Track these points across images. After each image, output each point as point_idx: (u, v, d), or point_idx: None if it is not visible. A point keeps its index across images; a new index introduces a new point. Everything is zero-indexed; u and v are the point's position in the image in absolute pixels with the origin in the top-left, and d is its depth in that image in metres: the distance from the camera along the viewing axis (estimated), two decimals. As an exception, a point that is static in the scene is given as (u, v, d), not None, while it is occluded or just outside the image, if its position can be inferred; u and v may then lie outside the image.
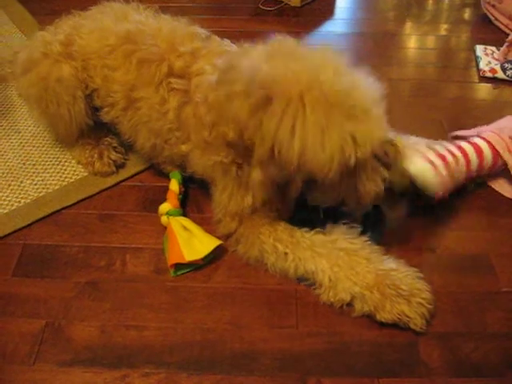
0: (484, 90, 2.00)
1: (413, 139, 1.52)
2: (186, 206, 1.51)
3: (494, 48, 2.18)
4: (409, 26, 2.42)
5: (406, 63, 2.16)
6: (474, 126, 1.73)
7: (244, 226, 1.35)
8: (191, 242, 1.34)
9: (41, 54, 1.54)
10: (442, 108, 1.89)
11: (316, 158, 1.09)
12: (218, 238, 1.37)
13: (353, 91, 1.12)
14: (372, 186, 1.20)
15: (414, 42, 2.31)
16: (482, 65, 2.10)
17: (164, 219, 1.43)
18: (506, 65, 2.07)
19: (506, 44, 2.09)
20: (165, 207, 1.43)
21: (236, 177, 1.31)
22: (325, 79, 1.10)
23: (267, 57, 1.19)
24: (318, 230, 1.32)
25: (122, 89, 1.45)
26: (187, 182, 1.54)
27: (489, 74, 2.07)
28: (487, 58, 2.14)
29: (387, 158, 1.22)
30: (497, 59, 2.12)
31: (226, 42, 1.48)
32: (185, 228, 1.38)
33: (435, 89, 2.00)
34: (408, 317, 1.17)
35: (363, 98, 1.12)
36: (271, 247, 1.31)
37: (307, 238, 1.30)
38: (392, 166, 1.24)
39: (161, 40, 1.42)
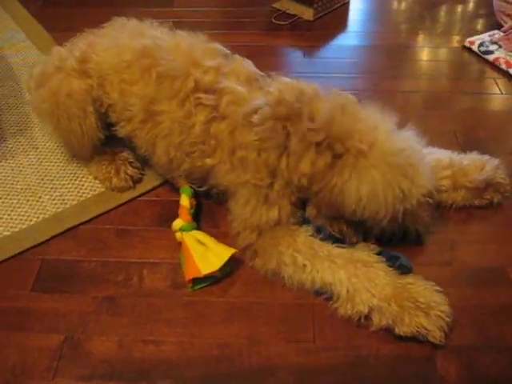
0: (498, 101, 2.00)
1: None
2: (200, 221, 1.52)
3: (501, 33, 2.31)
4: (421, 38, 2.43)
5: (419, 75, 2.17)
6: (489, 137, 1.74)
7: (263, 238, 1.36)
8: (206, 255, 1.35)
9: (54, 69, 1.57)
10: (456, 120, 1.89)
11: (371, 209, 1.23)
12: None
13: (404, 150, 1.26)
14: (424, 213, 1.34)
15: (426, 54, 2.31)
16: (472, 38, 2.29)
17: (178, 235, 1.44)
18: (487, 43, 2.23)
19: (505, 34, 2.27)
20: (177, 223, 1.44)
21: (263, 194, 1.35)
22: (383, 139, 1.25)
23: (341, 111, 1.30)
24: (339, 244, 1.34)
25: (140, 102, 1.47)
26: (201, 196, 1.55)
27: (466, 44, 2.29)
28: (485, 36, 2.30)
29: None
30: (491, 39, 2.27)
31: (248, 61, 1.51)
32: (199, 241, 1.39)
33: (448, 101, 2.01)
34: (427, 330, 1.17)
35: (413, 156, 1.26)
36: (290, 258, 1.32)
37: (326, 249, 1.31)
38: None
39: (180, 55, 1.45)
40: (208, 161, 1.43)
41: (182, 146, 1.45)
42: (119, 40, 1.55)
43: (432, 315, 1.18)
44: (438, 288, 1.24)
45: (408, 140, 1.29)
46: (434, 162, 1.48)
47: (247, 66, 1.49)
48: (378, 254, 1.31)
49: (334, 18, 2.58)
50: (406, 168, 1.23)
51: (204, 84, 1.41)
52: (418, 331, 1.17)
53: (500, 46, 2.20)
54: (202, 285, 1.36)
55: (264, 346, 1.23)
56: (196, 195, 1.54)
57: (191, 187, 1.53)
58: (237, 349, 1.23)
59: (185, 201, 1.49)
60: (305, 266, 1.31)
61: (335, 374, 1.17)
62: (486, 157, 1.53)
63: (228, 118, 1.38)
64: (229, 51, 1.53)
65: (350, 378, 1.16)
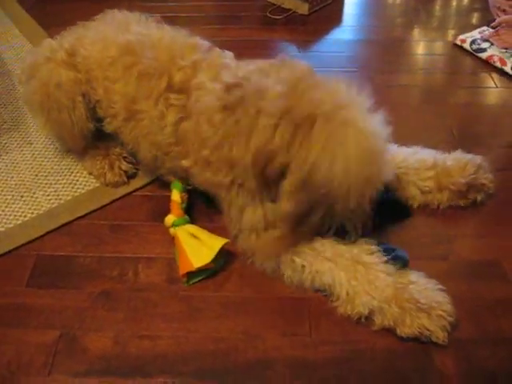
0: (493, 95, 2.00)
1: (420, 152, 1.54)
2: (195, 216, 1.51)
3: (491, 29, 2.27)
4: (417, 32, 2.42)
5: (414, 69, 2.16)
6: (485, 131, 1.74)
7: (262, 239, 1.34)
8: (198, 248, 1.34)
9: (45, 59, 1.57)
10: (452, 114, 1.89)
11: (347, 185, 1.16)
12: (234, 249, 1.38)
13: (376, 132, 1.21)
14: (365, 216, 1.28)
15: (422, 48, 2.31)
16: (463, 36, 2.27)
17: (171, 231, 1.43)
18: (479, 41, 2.21)
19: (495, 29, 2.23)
20: (169, 219, 1.44)
21: (238, 195, 1.33)
22: (356, 116, 1.19)
23: (293, 87, 1.23)
24: (339, 240, 1.31)
25: (122, 100, 1.47)
26: (194, 193, 1.54)
27: (458, 42, 2.26)
28: (476, 33, 2.27)
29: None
30: (482, 36, 2.24)
31: (228, 53, 1.49)
32: (192, 235, 1.38)
33: (444, 95, 2.00)
34: (429, 330, 1.16)
35: (381, 142, 1.21)
36: (288, 260, 1.31)
37: (327, 249, 1.29)
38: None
39: (161, 52, 1.44)
40: (184, 162, 1.42)
41: (160, 146, 1.46)
42: (105, 33, 1.55)
43: (434, 315, 1.17)
44: (440, 287, 1.23)
45: (378, 123, 1.23)
46: (418, 163, 1.48)
47: (224, 58, 1.46)
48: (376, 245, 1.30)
49: (329, 12, 2.58)
50: (376, 151, 1.19)
51: (176, 83, 1.40)
52: (420, 332, 1.17)
53: (492, 44, 2.19)
54: (198, 278, 1.35)
55: (260, 339, 1.23)
56: (190, 191, 1.53)
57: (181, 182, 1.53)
58: (233, 343, 1.23)
59: (176, 196, 1.49)
60: (304, 267, 1.29)
61: (332, 367, 1.17)
62: (469, 155, 1.51)
63: (192, 117, 1.37)
64: (210, 44, 1.51)
65: (347, 371, 1.16)
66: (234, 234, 1.40)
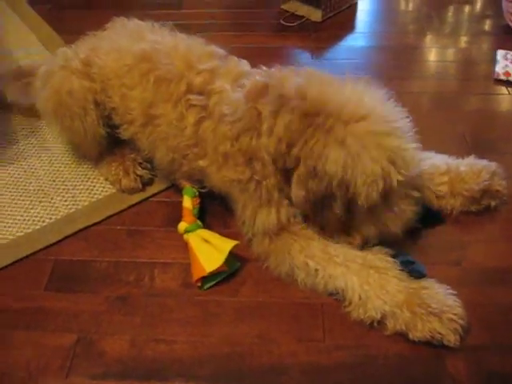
0: (506, 102, 2.00)
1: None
2: (210, 222, 1.53)
3: None
4: (429, 38, 2.43)
5: (426, 76, 2.17)
6: (498, 138, 1.74)
7: (275, 243, 1.37)
8: (210, 252, 1.36)
9: (59, 67, 1.61)
10: (464, 121, 1.89)
11: (361, 175, 1.18)
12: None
13: (393, 119, 1.24)
14: (407, 207, 1.28)
15: (434, 54, 2.31)
16: (497, 68, 2.13)
17: (185, 237, 1.45)
18: None
19: None
20: (182, 226, 1.46)
21: (254, 194, 1.35)
22: (370, 106, 1.24)
23: (311, 80, 1.30)
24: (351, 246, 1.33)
25: (139, 106, 1.50)
26: (208, 198, 1.56)
27: (502, 77, 2.09)
28: (505, 61, 2.15)
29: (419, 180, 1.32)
30: None
31: (244, 61, 1.52)
32: (204, 240, 1.40)
33: (456, 101, 2.01)
34: (440, 334, 1.17)
35: (402, 127, 1.25)
36: (302, 264, 1.33)
37: (340, 253, 1.31)
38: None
39: (177, 59, 1.47)
40: (201, 162, 1.45)
41: (178, 149, 1.48)
42: (119, 43, 1.58)
43: (444, 319, 1.18)
44: (452, 291, 1.24)
45: (394, 109, 1.28)
46: (432, 168, 1.49)
47: (241, 66, 1.50)
48: (393, 256, 1.30)
49: (342, 19, 2.59)
50: (397, 137, 1.22)
51: (195, 86, 1.43)
52: (431, 336, 1.18)
53: None
54: (213, 282, 1.37)
55: (275, 344, 1.25)
56: (202, 195, 1.55)
57: (193, 187, 1.55)
58: (248, 347, 1.24)
59: (187, 202, 1.51)
60: (317, 270, 1.31)
61: (345, 372, 1.19)
62: (484, 162, 1.51)
63: (213, 116, 1.40)
64: (226, 53, 1.55)
65: (360, 376, 1.18)
66: (248, 238, 1.42)
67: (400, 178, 1.19)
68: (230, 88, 1.40)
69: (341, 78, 1.33)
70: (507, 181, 1.52)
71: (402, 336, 1.22)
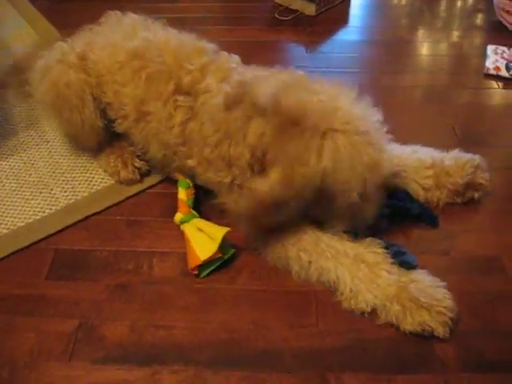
0: (496, 95, 2.05)
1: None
2: (203, 211, 1.57)
3: (505, 48, 2.24)
4: (421, 33, 2.47)
5: (418, 70, 2.21)
6: (487, 131, 1.78)
7: (270, 236, 1.41)
8: (203, 240, 1.40)
9: (55, 61, 1.64)
10: (455, 114, 1.94)
11: (341, 179, 1.22)
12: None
13: (367, 123, 1.26)
14: (374, 208, 1.33)
15: (426, 49, 2.36)
16: (488, 63, 2.17)
17: (181, 227, 1.49)
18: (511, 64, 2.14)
19: None
20: (177, 217, 1.50)
21: (240, 196, 1.39)
22: (345, 111, 1.25)
23: (286, 87, 1.30)
24: (345, 237, 1.36)
25: (132, 102, 1.54)
26: (203, 188, 1.59)
27: (492, 72, 2.14)
28: (495, 56, 2.20)
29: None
30: (506, 58, 2.17)
31: (235, 57, 1.56)
32: (198, 229, 1.44)
33: (447, 95, 2.05)
34: (430, 326, 1.21)
35: (377, 133, 1.28)
36: (295, 256, 1.37)
37: (332, 246, 1.34)
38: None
39: (168, 56, 1.50)
40: (189, 162, 1.49)
41: (168, 146, 1.53)
42: (113, 39, 1.61)
43: (434, 312, 1.21)
44: (441, 283, 1.28)
45: (369, 115, 1.30)
46: (417, 162, 1.53)
47: (231, 62, 1.52)
48: (385, 248, 1.34)
49: (336, 13, 2.63)
50: (373, 143, 1.24)
51: (184, 86, 1.46)
52: (422, 329, 1.22)
53: None
54: (209, 269, 1.41)
55: (269, 330, 1.29)
56: (197, 186, 1.58)
57: (187, 178, 1.58)
58: (244, 333, 1.29)
59: (182, 194, 1.54)
60: (310, 263, 1.35)
61: (336, 355, 1.23)
62: (468, 155, 1.55)
63: (198, 117, 1.44)
64: (217, 48, 1.57)
65: (351, 359, 1.22)
66: (246, 233, 1.47)
67: (377, 181, 1.26)
68: (217, 87, 1.42)
69: (321, 81, 1.34)
70: (494, 173, 1.57)
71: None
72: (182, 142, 1.48)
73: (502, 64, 2.15)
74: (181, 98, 1.46)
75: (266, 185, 1.26)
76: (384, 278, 1.27)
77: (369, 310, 1.27)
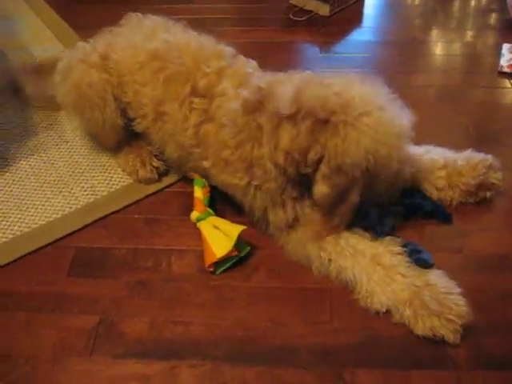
0: (510, 95, 2.05)
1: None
2: (219, 209, 1.60)
3: None
4: (435, 33, 2.48)
5: (432, 70, 2.22)
6: (501, 130, 1.79)
7: (291, 235, 1.45)
8: (220, 238, 1.43)
9: (78, 61, 1.67)
10: (468, 113, 1.95)
11: (382, 155, 1.26)
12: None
13: (382, 99, 1.32)
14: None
15: (440, 48, 2.37)
16: (502, 61, 2.18)
17: (197, 225, 1.52)
18: None
19: None
20: (194, 215, 1.53)
21: (255, 198, 1.43)
22: (361, 96, 1.29)
23: (302, 88, 1.33)
24: (365, 236, 1.40)
25: (150, 102, 1.57)
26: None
27: (506, 70, 2.15)
28: (510, 55, 2.20)
29: None
30: None
31: (252, 62, 1.58)
32: (214, 226, 1.47)
33: (461, 94, 2.06)
34: (440, 333, 1.23)
35: (392, 104, 1.33)
36: (315, 255, 1.40)
37: (351, 246, 1.37)
38: None
39: (187, 58, 1.53)
40: (204, 163, 1.51)
41: (183, 147, 1.55)
42: (134, 40, 1.64)
43: (444, 320, 1.23)
44: (457, 289, 1.28)
45: (378, 89, 1.34)
46: (430, 163, 1.55)
47: (248, 67, 1.54)
48: (403, 246, 1.37)
49: (350, 14, 2.64)
50: (390, 112, 1.30)
51: (200, 89, 1.49)
52: (433, 334, 1.24)
53: None
54: (225, 266, 1.44)
55: (285, 327, 1.32)
56: (212, 185, 1.60)
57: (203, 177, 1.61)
58: (260, 330, 1.31)
59: (198, 192, 1.57)
60: (330, 261, 1.38)
61: (351, 352, 1.25)
62: (480, 155, 1.56)
63: (214, 120, 1.46)
64: (235, 52, 1.59)
65: (365, 356, 1.24)
66: (270, 234, 1.51)
67: (406, 144, 1.34)
68: (233, 92, 1.44)
69: (327, 75, 1.38)
70: (508, 172, 1.59)
71: (406, 321, 1.30)
72: (197, 144, 1.51)
73: None
74: (196, 100, 1.49)
75: (323, 185, 1.31)
76: (398, 282, 1.29)
77: (384, 310, 1.30)
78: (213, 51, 1.56)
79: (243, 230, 1.42)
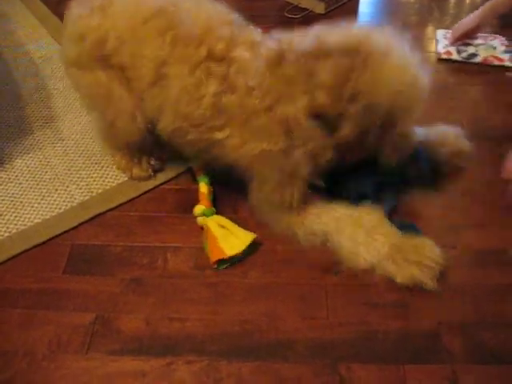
0: (505, 90, 2.05)
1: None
2: (219, 208, 1.59)
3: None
4: (430, 30, 2.48)
5: (427, 67, 2.21)
6: (496, 126, 1.80)
7: (275, 211, 1.48)
8: (228, 237, 1.44)
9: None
10: (464, 109, 1.96)
11: (408, 81, 1.28)
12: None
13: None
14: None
15: (435, 46, 2.36)
16: (439, 48, 2.26)
17: (200, 220, 1.53)
18: (461, 47, 2.23)
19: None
20: (199, 208, 1.54)
21: (279, 168, 1.38)
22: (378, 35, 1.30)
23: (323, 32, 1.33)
24: (347, 204, 1.46)
25: (150, 62, 1.41)
26: (217, 183, 1.64)
27: (444, 56, 2.22)
28: (445, 41, 2.29)
29: None
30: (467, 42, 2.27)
31: (259, 30, 1.48)
32: (221, 226, 1.48)
33: (456, 91, 2.07)
34: (420, 281, 1.32)
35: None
36: (299, 223, 1.46)
37: (332, 213, 1.45)
38: None
39: (199, 21, 1.40)
40: (218, 134, 1.41)
41: (189, 117, 1.42)
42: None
43: (423, 268, 1.32)
44: (431, 241, 1.38)
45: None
46: None
47: (257, 34, 1.45)
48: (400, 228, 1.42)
49: (345, 11, 2.63)
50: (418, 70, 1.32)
51: (216, 53, 1.37)
52: (413, 283, 1.33)
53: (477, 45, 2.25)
54: (226, 265, 1.45)
55: (281, 322, 1.32)
56: (211, 183, 1.63)
57: (207, 175, 1.63)
58: (257, 325, 1.32)
59: (203, 188, 1.58)
60: (313, 228, 1.45)
61: (348, 347, 1.26)
62: (450, 128, 1.68)
63: (236, 89, 1.36)
64: (245, 21, 1.50)
65: (361, 350, 1.25)
66: (252, 204, 1.52)
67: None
68: (249, 57, 1.36)
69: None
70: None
71: (401, 314, 1.31)
72: (212, 115, 1.39)
73: (451, 48, 2.25)
74: (214, 64, 1.37)
75: (351, 123, 1.29)
76: (379, 241, 1.38)
77: (368, 267, 1.37)
78: (225, 17, 1.45)
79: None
